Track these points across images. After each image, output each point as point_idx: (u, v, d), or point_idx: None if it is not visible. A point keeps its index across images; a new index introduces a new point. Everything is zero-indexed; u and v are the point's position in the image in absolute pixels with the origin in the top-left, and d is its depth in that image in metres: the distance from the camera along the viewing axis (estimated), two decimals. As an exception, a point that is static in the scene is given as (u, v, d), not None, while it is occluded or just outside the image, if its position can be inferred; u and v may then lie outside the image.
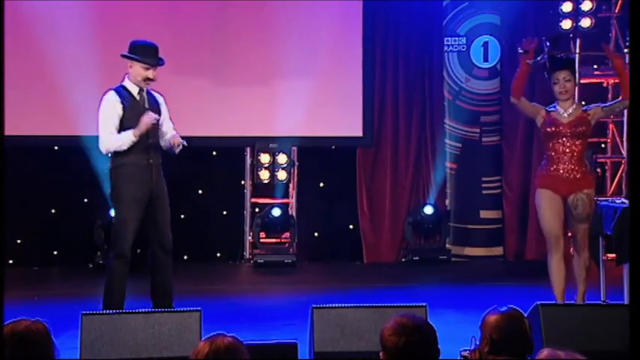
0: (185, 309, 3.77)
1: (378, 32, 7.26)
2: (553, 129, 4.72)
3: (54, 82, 6.60)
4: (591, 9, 7.03)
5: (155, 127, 4.64)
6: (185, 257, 7.20)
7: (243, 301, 5.80)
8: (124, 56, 4.70)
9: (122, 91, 4.65)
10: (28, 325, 2.11)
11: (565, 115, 4.74)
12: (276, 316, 5.11)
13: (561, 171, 4.68)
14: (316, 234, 7.38)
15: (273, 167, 7.07)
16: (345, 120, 7.16)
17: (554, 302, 4.68)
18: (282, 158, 7.06)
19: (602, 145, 7.31)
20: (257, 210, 7.26)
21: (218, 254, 7.26)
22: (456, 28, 7.43)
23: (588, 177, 4.77)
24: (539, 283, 5.67)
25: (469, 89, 7.45)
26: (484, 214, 7.40)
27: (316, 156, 7.37)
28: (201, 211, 7.22)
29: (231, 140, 7.11)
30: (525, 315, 2.74)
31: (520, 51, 4.77)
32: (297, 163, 7.25)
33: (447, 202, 7.46)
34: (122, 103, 4.60)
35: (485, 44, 7.40)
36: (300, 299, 5.61)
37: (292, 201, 7.30)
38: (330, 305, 3.84)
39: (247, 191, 7.33)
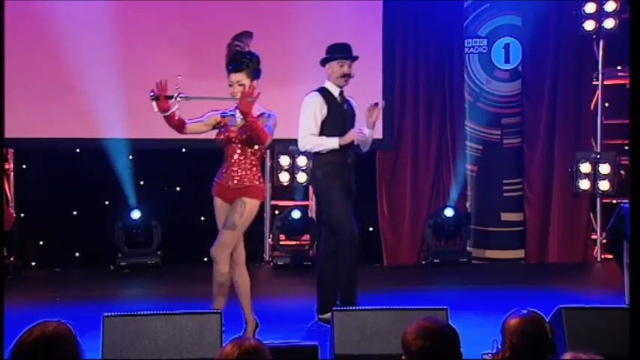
0: (205, 311, 3.78)
1: (398, 34, 7.24)
2: (223, 136, 4.40)
3: (76, 86, 6.66)
4: (615, 9, 6.96)
5: (350, 129, 4.76)
6: (205, 259, 7.22)
7: (263, 303, 5.79)
8: (321, 62, 4.85)
9: (325, 94, 4.79)
10: (55, 327, 2.13)
11: (238, 120, 4.37)
12: (296, 319, 5.11)
13: (223, 176, 4.37)
14: (336, 236, 7.36)
15: (292, 169, 7.07)
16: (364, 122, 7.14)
17: (577, 305, 4.63)
18: (301, 160, 7.06)
19: (626, 147, 7.24)
20: (277, 212, 7.27)
21: (238, 256, 7.26)
22: (477, 29, 7.40)
23: (253, 187, 4.33)
24: (561, 287, 5.64)
25: (490, 91, 7.41)
26: (505, 216, 7.36)
27: (303, 151, 7.34)
28: (221, 213, 7.23)
29: (251, 142, 7.11)
30: (546, 318, 2.71)
31: (151, 95, 4.20)
32: (316, 165, 7.24)
33: (468, 204, 7.43)
34: (327, 105, 4.73)
35: (507, 46, 7.37)
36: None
37: (312, 203, 7.30)
38: (351, 308, 3.83)
39: (267, 193, 7.33)
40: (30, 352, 2.09)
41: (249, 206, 4.32)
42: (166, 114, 4.21)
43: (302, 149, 4.90)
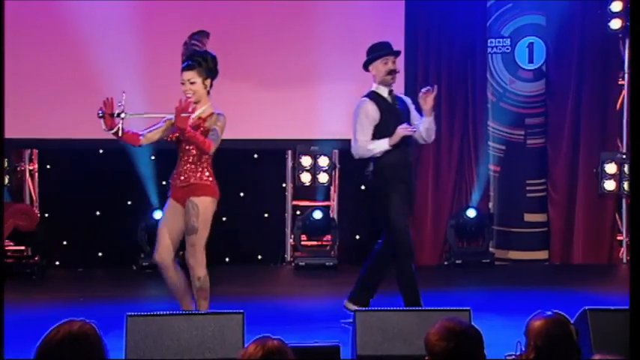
0: (227, 311, 3.78)
1: (421, 33, 7.21)
2: (172, 136, 4.30)
3: (99, 86, 6.66)
4: (643, 7, 6.88)
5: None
6: (227, 260, 7.25)
7: (285, 303, 5.81)
8: (364, 65, 4.81)
9: (375, 97, 4.76)
10: (81, 326, 2.14)
11: (193, 117, 4.27)
12: (317, 319, 5.11)
13: (177, 179, 4.30)
14: (357, 237, 7.36)
15: (314, 170, 7.07)
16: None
17: (603, 307, 4.58)
18: (323, 161, 7.06)
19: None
20: (298, 212, 7.27)
21: (259, 257, 7.28)
22: (500, 29, 7.35)
23: (199, 184, 4.25)
24: (585, 288, 5.58)
25: (513, 91, 7.36)
26: (528, 217, 7.30)
27: (358, 159, 7.34)
28: (242, 213, 7.26)
29: (273, 143, 7.13)
30: (571, 320, 2.68)
31: (99, 114, 4.15)
32: (338, 166, 7.24)
33: (490, 204, 7.38)
34: (378, 109, 4.71)
35: (531, 45, 7.31)
36: (341, 302, 5.58)
37: (333, 204, 7.29)
38: (373, 308, 3.83)
39: (288, 194, 7.34)
40: (56, 351, 2.10)
41: (202, 205, 4.26)
42: (112, 131, 4.18)
43: (356, 157, 4.81)
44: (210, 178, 4.32)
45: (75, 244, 7.14)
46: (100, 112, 4.16)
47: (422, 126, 4.79)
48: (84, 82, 6.67)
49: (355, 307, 4.47)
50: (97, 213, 7.20)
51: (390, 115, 4.73)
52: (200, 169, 4.29)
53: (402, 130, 4.64)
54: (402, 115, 4.78)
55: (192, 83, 4.30)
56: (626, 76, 7.14)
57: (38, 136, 6.82)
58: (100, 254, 7.16)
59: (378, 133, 4.71)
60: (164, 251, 4.35)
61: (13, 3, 6.68)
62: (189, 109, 4.16)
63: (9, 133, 6.83)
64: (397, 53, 4.84)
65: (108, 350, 2.21)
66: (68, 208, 7.13)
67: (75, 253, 7.12)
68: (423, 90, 4.73)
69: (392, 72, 4.74)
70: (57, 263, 7.05)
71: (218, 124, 4.29)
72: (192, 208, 4.24)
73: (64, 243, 7.15)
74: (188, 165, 4.29)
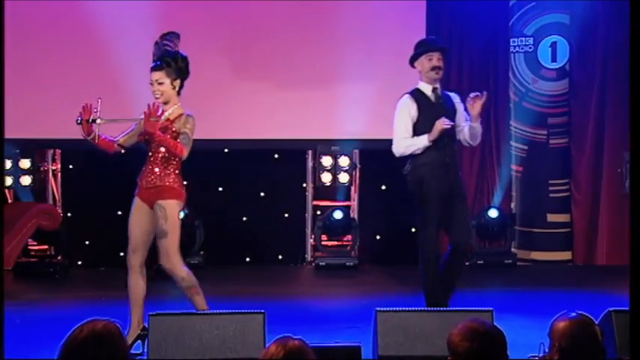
0: (249, 311, 3.78)
1: (442, 33, 7.17)
2: (141, 136, 4.26)
3: (121, 86, 6.72)
4: (669, 6, 6.79)
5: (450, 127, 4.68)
6: (247, 259, 7.26)
7: (306, 303, 5.81)
8: (410, 62, 4.77)
9: (416, 94, 4.72)
10: (105, 325, 2.15)
11: (162, 118, 4.22)
12: (338, 319, 5.10)
13: (144, 180, 4.25)
14: (378, 237, 7.34)
15: (334, 170, 7.06)
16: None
17: (627, 309, 4.53)
18: (343, 161, 7.05)
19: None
20: (319, 212, 7.27)
21: (280, 257, 7.29)
22: (522, 28, 7.30)
23: (165, 187, 4.20)
24: (610, 289, 5.52)
25: (536, 90, 7.30)
26: (551, 217, 7.24)
27: (378, 158, 7.32)
28: (263, 213, 7.27)
29: (293, 143, 7.13)
30: (596, 322, 2.66)
31: (77, 120, 4.12)
32: (358, 166, 7.23)
33: (513, 205, 7.33)
34: (417, 106, 4.68)
35: (554, 44, 7.25)
36: (362, 302, 5.59)
37: (354, 204, 7.28)
38: (394, 309, 3.81)
39: (309, 194, 7.34)
40: (80, 349, 2.11)
41: (169, 208, 4.21)
42: (89, 138, 4.17)
43: (397, 155, 4.77)
44: (177, 181, 4.27)
45: (97, 243, 7.19)
46: (78, 118, 4.16)
47: (466, 130, 4.72)
48: (105, 82, 6.71)
49: None
50: (119, 213, 7.22)
51: (431, 113, 4.65)
52: (168, 172, 4.24)
53: (440, 124, 4.56)
54: (444, 113, 4.69)
55: (160, 84, 4.25)
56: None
57: (61, 136, 6.87)
58: (121, 254, 7.13)
59: (418, 131, 4.66)
60: (134, 253, 4.34)
61: (34, 3, 6.75)
62: (158, 113, 4.12)
63: (33, 134, 6.92)
64: (442, 49, 4.76)
65: (130, 350, 2.22)
66: (90, 208, 7.18)
67: (97, 253, 7.17)
68: (472, 95, 4.66)
69: (435, 68, 4.68)
70: (79, 263, 7.10)
71: (188, 127, 4.23)
72: (159, 211, 4.19)
73: (87, 242, 7.20)
74: (156, 166, 4.24)
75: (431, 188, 4.64)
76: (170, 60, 4.26)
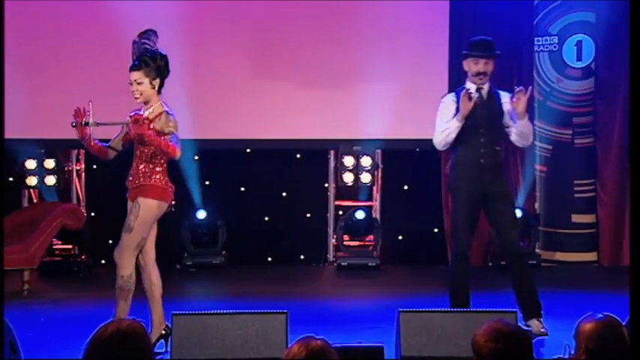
0: (271, 311, 3.79)
1: (465, 33, 7.11)
2: (127, 136, 4.31)
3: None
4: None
5: (487, 127, 4.62)
6: (269, 259, 7.27)
7: (328, 303, 5.80)
8: (464, 57, 4.77)
9: (459, 92, 4.70)
10: (130, 324, 2.16)
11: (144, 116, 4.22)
12: (360, 319, 5.08)
13: (130, 178, 4.27)
14: (400, 237, 7.31)
15: (356, 170, 7.04)
16: (430, 122, 7.00)
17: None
18: (365, 161, 7.03)
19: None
20: (340, 213, 7.25)
21: (301, 257, 7.29)
22: (547, 27, 7.23)
23: (148, 185, 4.22)
24: (635, 291, 5.42)
25: (561, 89, 7.23)
26: (576, 218, 7.17)
27: (400, 158, 7.30)
28: (284, 213, 7.27)
29: (315, 143, 7.13)
30: (623, 323, 2.62)
31: (72, 124, 4.19)
32: (381, 166, 7.21)
33: (537, 205, 7.26)
34: (456, 102, 4.65)
35: (579, 43, 7.17)
36: (384, 302, 5.57)
37: (376, 204, 7.26)
38: (417, 309, 3.79)
39: (331, 194, 7.33)
40: (104, 348, 2.12)
41: (144, 206, 4.19)
42: (84, 141, 4.21)
43: (437, 147, 4.72)
44: (162, 179, 4.24)
45: (120, 243, 7.23)
46: (74, 122, 4.19)
47: (515, 130, 4.65)
48: (127, 82, 6.74)
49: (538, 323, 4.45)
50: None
51: (471, 112, 4.58)
52: (153, 170, 4.22)
53: (463, 98, 4.49)
54: (488, 112, 4.64)
55: (139, 84, 4.23)
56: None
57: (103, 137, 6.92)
58: (144, 253, 7.22)
59: (459, 130, 4.61)
60: (141, 253, 4.31)
61: (56, 3, 6.80)
62: (142, 119, 4.11)
63: (57, 135, 6.97)
64: (493, 56, 4.70)
65: (154, 349, 2.23)
66: (114, 208, 7.17)
67: (120, 252, 7.20)
68: (516, 90, 4.59)
69: (480, 74, 4.64)
70: (103, 262, 7.15)
71: (171, 126, 4.20)
72: (134, 208, 4.19)
73: (110, 242, 7.22)
74: (141, 164, 4.24)
75: (460, 189, 4.60)
76: (148, 59, 4.23)
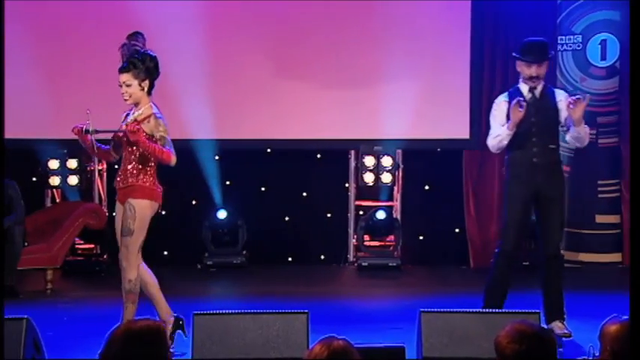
0: (292, 311, 3.78)
1: (487, 33, 7.08)
2: (116, 136, 4.33)
3: (164, 87, 6.76)
4: None
5: (540, 127, 4.60)
6: (289, 259, 7.27)
7: (348, 303, 5.79)
8: (514, 57, 4.77)
9: (513, 92, 4.72)
10: (147, 323, 2.17)
11: (130, 120, 4.28)
12: (381, 320, 5.07)
13: (117, 179, 4.29)
14: (421, 237, 7.28)
15: (377, 170, 7.02)
16: (451, 122, 7.02)
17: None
18: (386, 161, 7.00)
19: None
20: (361, 213, 7.23)
21: (322, 257, 7.28)
22: (570, 26, 7.15)
23: (137, 186, 4.21)
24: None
25: (585, 89, 7.14)
26: (600, 218, 7.09)
27: (421, 158, 7.27)
28: (305, 213, 7.27)
29: (336, 143, 7.11)
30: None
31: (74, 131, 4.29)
32: (401, 166, 7.18)
33: (560, 205, 7.19)
34: (508, 103, 4.65)
35: (603, 42, 7.09)
36: (405, 303, 5.55)
37: (397, 204, 7.23)
38: (439, 310, 3.77)
39: (351, 194, 7.32)
40: (122, 347, 2.13)
41: (138, 207, 4.20)
42: (87, 148, 4.29)
43: (491, 150, 4.77)
44: (152, 180, 4.25)
45: (141, 242, 7.26)
46: (75, 130, 4.25)
47: (570, 133, 4.63)
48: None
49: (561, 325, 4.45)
50: (163, 212, 7.26)
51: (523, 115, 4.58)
52: (143, 172, 4.23)
53: (513, 108, 4.47)
54: (540, 111, 4.61)
55: (128, 86, 4.23)
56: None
57: (107, 137, 6.96)
58: (165, 253, 7.27)
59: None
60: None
61: (77, 3, 6.83)
62: (136, 128, 4.13)
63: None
64: (545, 59, 4.65)
65: (171, 350, 2.23)
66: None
67: (141, 252, 7.23)
68: (571, 99, 4.54)
69: (533, 78, 4.62)
70: (124, 261, 7.18)
71: (161, 130, 4.20)
72: (129, 210, 4.19)
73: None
74: (129, 165, 4.24)
75: (511, 189, 4.61)
76: (137, 61, 4.23)
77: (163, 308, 4.29)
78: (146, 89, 4.25)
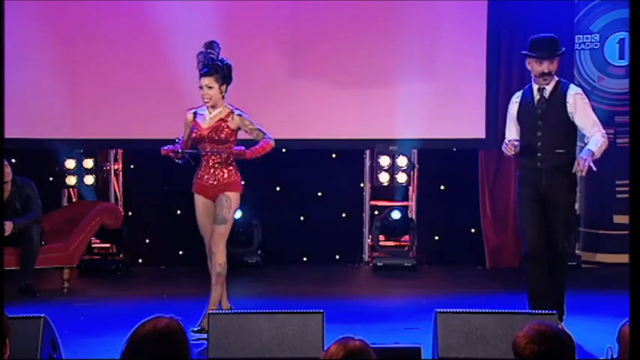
0: (307, 310, 3.78)
1: (504, 32, 7.03)
2: (195, 134, 4.75)
3: (177, 86, 6.78)
4: None
5: (546, 130, 4.58)
6: (304, 259, 7.27)
7: (364, 303, 5.78)
8: (523, 54, 4.75)
9: (525, 90, 4.72)
10: (168, 323, 2.17)
11: (207, 119, 4.74)
12: (397, 320, 5.05)
13: (206, 177, 4.74)
14: (436, 237, 7.25)
15: (392, 170, 7.00)
16: (467, 121, 6.99)
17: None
18: (402, 161, 6.98)
19: None
20: (376, 213, 7.22)
21: (337, 257, 7.27)
22: (588, 24, 7.10)
23: (233, 182, 4.73)
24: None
25: (602, 88, 7.10)
26: (618, 218, 7.02)
27: (437, 158, 7.24)
28: (320, 213, 7.26)
29: (351, 143, 7.10)
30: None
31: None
32: (417, 166, 7.16)
33: (577, 206, 7.13)
34: (519, 105, 4.68)
35: (621, 41, 7.03)
36: (420, 303, 5.53)
37: (412, 204, 7.21)
38: (455, 310, 3.75)
39: (366, 194, 7.30)
40: (142, 345, 2.13)
41: (234, 199, 4.72)
42: (182, 161, 4.84)
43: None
44: (238, 173, 4.80)
45: (157, 242, 7.30)
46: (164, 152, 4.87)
47: (586, 133, 4.63)
48: (165, 83, 6.80)
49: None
50: (179, 212, 7.34)
51: (527, 113, 4.58)
52: (229, 167, 4.74)
53: (507, 146, 4.55)
54: (546, 114, 4.56)
55: (209, 88, 4.65)
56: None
57: (122, 136, 6.99)
58: (181, 252, 7.29)
59: (520, 129, 4.63)
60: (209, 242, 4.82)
61: (96, 3, 6.86)
62: (242, 151, 4.72)
63: (96, 134, 7.06)
64: (552, 57, 4.54)
65: (192, 348, 2.24)
66: (151, 207, 7.29)
67: (157, 251, 7.27)
68: (578, 167, 4.45)
69: (544, 74, 4.55)
70: (140, 261, 7.22)
71: (248, 123, 4.75)
72: (225, 201, 4.67)
73: (147, 241, 7.31)
74: (217, 165, 4.72)
75: (521, 191, 4.64)
76: (219, 67, 4.67)
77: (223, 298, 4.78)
78: (223, 93, 4.72)
